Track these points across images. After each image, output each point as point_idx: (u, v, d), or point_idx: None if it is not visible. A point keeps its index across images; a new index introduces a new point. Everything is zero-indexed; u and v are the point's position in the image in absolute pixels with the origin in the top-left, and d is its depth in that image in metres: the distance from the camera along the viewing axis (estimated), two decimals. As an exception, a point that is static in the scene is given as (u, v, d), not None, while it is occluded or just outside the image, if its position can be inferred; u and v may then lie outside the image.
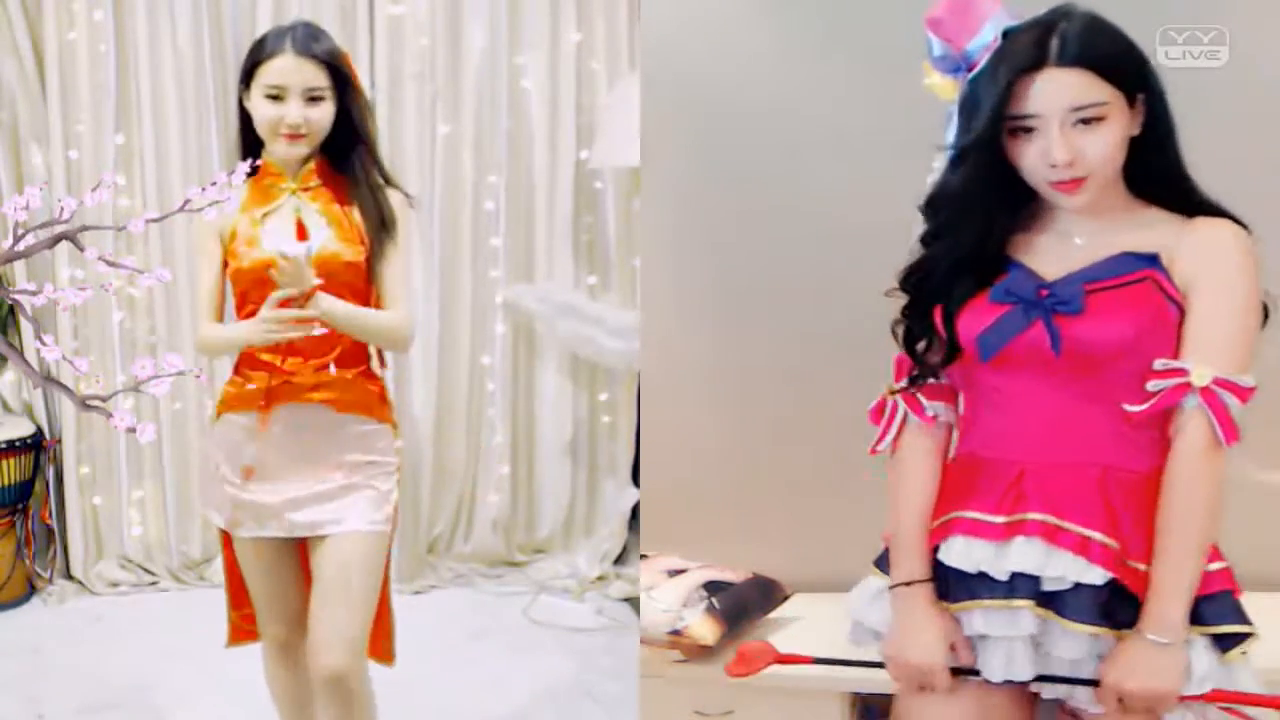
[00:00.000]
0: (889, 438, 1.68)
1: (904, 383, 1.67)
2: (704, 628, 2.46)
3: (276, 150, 2.16)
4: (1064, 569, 1.51)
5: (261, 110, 2.13)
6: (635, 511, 3.95)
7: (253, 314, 2.11)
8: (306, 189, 2.19)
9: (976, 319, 1.57)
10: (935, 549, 1.62)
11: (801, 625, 2.60)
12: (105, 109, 3.84)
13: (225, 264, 2.19)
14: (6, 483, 3.70)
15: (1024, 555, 1.52)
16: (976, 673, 1.59)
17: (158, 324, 3.95)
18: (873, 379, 1.81)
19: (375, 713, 2.15)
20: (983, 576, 1.55)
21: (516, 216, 4.08)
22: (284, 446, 2.15)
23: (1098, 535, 1.51)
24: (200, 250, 2.20)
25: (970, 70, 1.56)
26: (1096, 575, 1.50)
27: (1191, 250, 1.52)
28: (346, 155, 2.19)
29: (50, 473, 3.94)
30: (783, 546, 2.72)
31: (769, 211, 2.69)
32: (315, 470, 2.15)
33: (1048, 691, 1.59)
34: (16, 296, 1.00)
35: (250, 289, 2.14)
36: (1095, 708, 1.55)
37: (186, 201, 1.10)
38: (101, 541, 4.01)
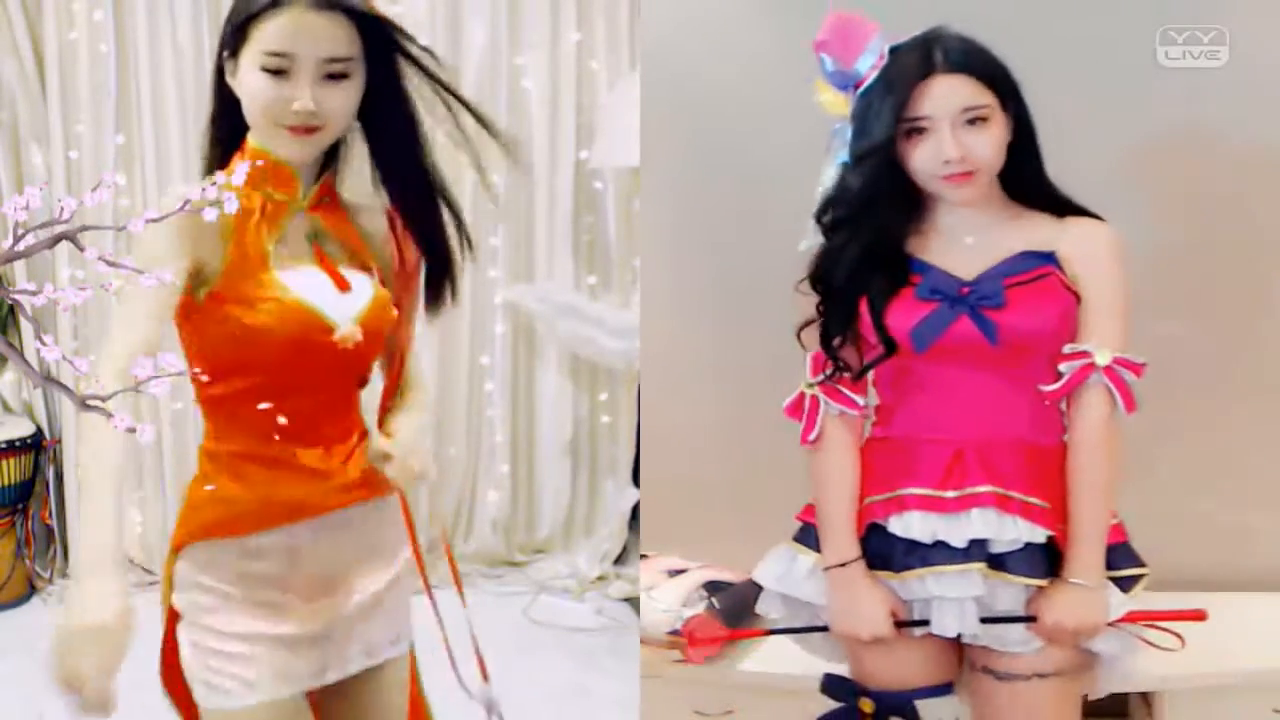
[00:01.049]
0: (816, 431, 1.78)
1: (821, 377, 1.78)
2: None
3: (276, 148, 1.50)
4: (1017, 532, 1.68)
5: (256, 88, 1.46)
6: (635, 511, 3.95)
7: (247, 391, 1.48)
8: (316, 207, 1.55)
9: (906, 315, 1.71)
10: (871, 525, 1.75)
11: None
12: (105, 109, 3.84)
13: (193, 305, 1.48)
14: (6, 483, 3.70)
15: (982, 524, 1.68)
16: (922, 623, 1.73)
17: (158, 324, 3.94)
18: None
19: None
20: (938, 545, 1.69)
21: (516, 216, 4.08)
22: (295, 575, 1.64)
23: (1036, 500, 1.69)
24: (154, 262, 1.29)
25: (858, 86, 1.72)
26: (1040, 535, 1.69)
27: (1077, 247, 1.71)
28: (382, 159, 1.59)
29: (50, 473, 3.94)
30: (783, 546, 2.72)
31: (769, 211, 2.68)
32: (335, 594, 1.70)
33: (982, 638, 1.73)
34: (16, 296, 0.99)
35: (268, 358, 1.46)
36: (1019, 647, 1.71)
37: (186, 202, 1.10)
38: (101, 541, 4.01)
